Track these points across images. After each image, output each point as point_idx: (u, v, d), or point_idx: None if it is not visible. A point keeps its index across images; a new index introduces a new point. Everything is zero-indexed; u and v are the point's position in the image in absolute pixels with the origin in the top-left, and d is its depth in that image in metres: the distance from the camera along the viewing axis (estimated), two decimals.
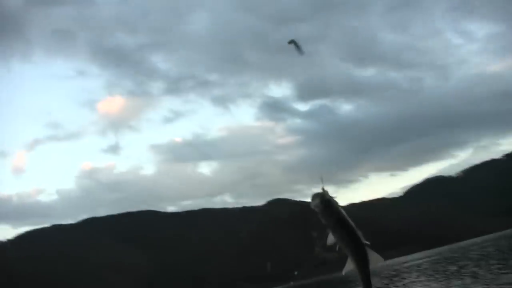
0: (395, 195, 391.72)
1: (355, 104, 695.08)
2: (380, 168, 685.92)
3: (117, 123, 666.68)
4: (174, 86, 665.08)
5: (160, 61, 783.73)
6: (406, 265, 70.65)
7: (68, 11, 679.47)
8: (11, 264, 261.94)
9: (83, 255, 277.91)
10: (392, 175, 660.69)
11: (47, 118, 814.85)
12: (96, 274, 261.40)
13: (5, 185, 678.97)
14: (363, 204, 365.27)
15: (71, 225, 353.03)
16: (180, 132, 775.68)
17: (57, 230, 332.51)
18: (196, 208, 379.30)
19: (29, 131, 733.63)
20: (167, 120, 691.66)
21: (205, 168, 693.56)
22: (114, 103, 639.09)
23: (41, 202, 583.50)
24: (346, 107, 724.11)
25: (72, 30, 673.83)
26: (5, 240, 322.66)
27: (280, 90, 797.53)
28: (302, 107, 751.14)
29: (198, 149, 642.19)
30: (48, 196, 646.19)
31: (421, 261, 73.41)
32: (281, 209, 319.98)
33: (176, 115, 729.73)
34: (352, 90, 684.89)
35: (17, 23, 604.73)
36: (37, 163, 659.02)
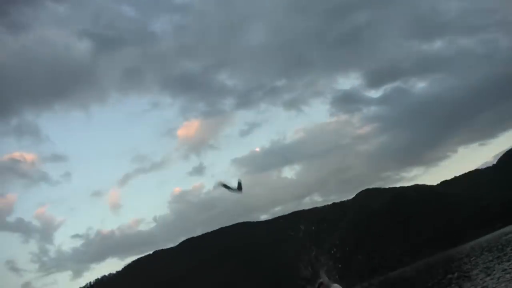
0: (489, 165, 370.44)
1: (429, 80, 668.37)
2: (468, 140, 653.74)
3: (198, 145, 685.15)
4: (245, 99, 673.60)
5: (226, 78, 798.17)
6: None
7: (133, 50, 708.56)
8: None
9: (186, 275, 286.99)
10: (481, 144, 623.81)
11: (132, 153, 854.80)
12: None
13: (107, 222, 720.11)
14: (456, 180, 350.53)
15: (172, 248, 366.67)
16: (258, 142, 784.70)
17: (159, 255, 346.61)
18: (287, 213, 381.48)
19: (119, 168, 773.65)
20: (244, 133, 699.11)
21: (289, 172, 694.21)
22: (192, 127, 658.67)
23: (142, 232, 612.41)
24: (420, 85, 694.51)
25: (140, 68, 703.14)
26: (115, 272, 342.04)
27: (349, 81, 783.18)
28: (374, 94, 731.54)
29: (278, 155, 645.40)
30: (146, 224, 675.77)
31: None
32: (372, 199, 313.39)
33: (251, 127, 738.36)
34: (423, 66, 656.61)
35: (88, 71, 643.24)
36: (131, 196, 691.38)
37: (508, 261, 23.53)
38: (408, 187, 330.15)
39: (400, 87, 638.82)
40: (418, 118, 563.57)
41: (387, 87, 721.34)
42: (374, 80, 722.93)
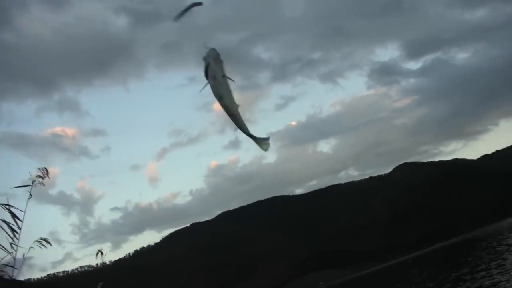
0: None
1: (471, 50, 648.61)
2: (510, 113, 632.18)
3: None
4: (281, 73, 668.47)
5: (262, 51, 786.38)
6: None
7: (170, 25, 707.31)
8: (162, 264, 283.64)
9: (225, 247, 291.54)
10: None
11: (169, 127, 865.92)
12: (246, 263, 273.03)
13: (144, 195, 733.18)
14: (498, 154, 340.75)
15: (208, 221, 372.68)
16: (294, 116, 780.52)
17: (196, 227, 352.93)
18: (323, 187, 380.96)
19: (156, 142, 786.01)
20: (280, 107, 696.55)
21: (325, 146, 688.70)
22: None
23: (178, 205, 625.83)
24: (461, 56, 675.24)
25: (177, 42, 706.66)
26: (153, 244, 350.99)
27: (387, 53, 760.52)
28: (414, 65, 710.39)
29: (314, 129, 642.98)
30: (183, 198, 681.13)
31: None
32: (410, 173, 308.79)
33: (287, 100, 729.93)
34: (465, 36, 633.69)
35: (127, 47, 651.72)
36: (168, 170, 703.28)
37: None
38: (447, 161, 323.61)
39: (441, 58, 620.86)
40: (458, 90, 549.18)
41: (427, 58, 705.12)
42: (414, 51, 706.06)
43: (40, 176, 3.16)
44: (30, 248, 2.91)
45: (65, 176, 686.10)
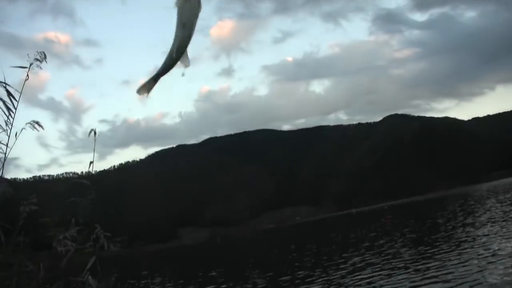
0: None
1: (480, 10, 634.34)
2: (509, 79, 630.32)
3: (229, 47, 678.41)
4: (283, 6, 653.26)
5: None
6: None
7: None
8: (145, 179, 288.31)
9: (208, 172, 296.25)
10: None
11: (164, 46, 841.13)
12: (221, 190, 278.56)
13: (134, 111, 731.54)
14: (489, 118, 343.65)
15: (194, 145, 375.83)
16: (291, 52, 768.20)
17: (182, 149, 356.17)
18: (311, 126, 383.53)
19: (150, 59, 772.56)
20: (278, 40, 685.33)
21: (318, 87, 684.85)
22: (225, 27, 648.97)
23: (166, 125, 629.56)
24: (469, 14, 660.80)
25: None
26: (138, 159, 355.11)
27: (394, 0, 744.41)
28: (420, 17, 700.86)
29: (309, 67, 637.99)
30: (171, 119, 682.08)
31: None
32: (398, 125, 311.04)
33: (286, 35, 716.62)
34: None
35: None
36: (159, 89, 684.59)
37: None
38: (438, 118, 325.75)
39: (448, 14, 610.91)
40: (460, 49, 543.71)
41: (434, 11, 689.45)
42: (422, 2, 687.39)
43: (38, 60, 3.11)
44: (22, 129, 2.91)
45: (55, 83, 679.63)
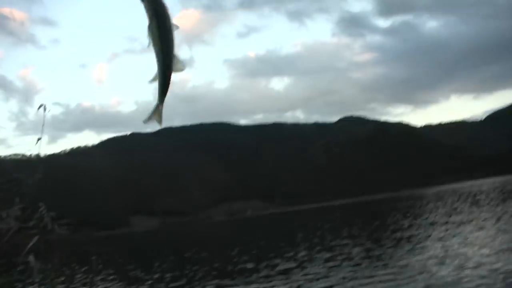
0: (476, 119, 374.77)
1: (442, 21, 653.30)
2: (463, 90, 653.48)
3: (191, 37, 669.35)
4: (249, 0, 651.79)
5: None
6: (475, 189, 68.81)
7: None
8: (97, 165, 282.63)
9: (162, 162, 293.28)
10: (475, 98, 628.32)
11: (125, 32, 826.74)
12: (174, 180, 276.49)
13: (88, 96, 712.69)
14: (441, 126, 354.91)
15: (148, 133, 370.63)
16: (253, 47, 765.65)
17: (136, 137, 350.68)
18: (268, 122, 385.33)
19: (109, 44, 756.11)
20: (241, 35, 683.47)
21: (278, 84, 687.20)
22: (189, 17, 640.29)
23: (121, 112, 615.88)
24: (431, 24, 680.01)
25: None
26: (91, 145, 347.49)
27: (359, 4, 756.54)
28: (383, 23, 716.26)
29: (271, 64, 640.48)
30: (127, 107, 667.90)
31: (494, 185, 70.75)
32: (353, 126, 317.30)
33: (250, 30, 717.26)
34: (440, 4, 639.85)
35: None
36: (116, 75, 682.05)
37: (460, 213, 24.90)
38: (392, 123, 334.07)
39: (411, 22, 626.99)
40: (419, 57, 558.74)
41: (398, 18, 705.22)
42: (387, 8, 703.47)
43: None
44: None
45: (8, 61, 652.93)
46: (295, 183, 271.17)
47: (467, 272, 9.51)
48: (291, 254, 17.51)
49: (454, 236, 15.67)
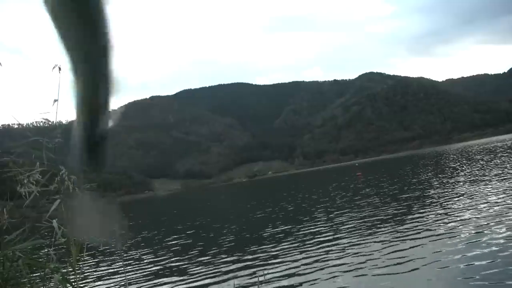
0: (499, 71, 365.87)
1: None
2: (485, 41, 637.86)
3: None
4: None
5: None
6: (497, 144, 66.33)
7: None
8: (118, 129, 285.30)
9: (181, 124, 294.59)
10: (497, 48, 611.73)
11: None
12: (194, 142, 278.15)
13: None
14: (462, 80, 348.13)
15: (168, 96, 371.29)
16: (270, 4, 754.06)
17: (156, 100, 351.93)
18: (286, 81, 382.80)
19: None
20: None
21: (295, 41, 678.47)
22: None
23: (138, 75, 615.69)
24: None
25: None
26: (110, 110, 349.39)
27: None
28: None
29: (287, 21, 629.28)
30: (145, 69, 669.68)
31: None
32: (373, 83, 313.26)
33: None
34: None
35: None
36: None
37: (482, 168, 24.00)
38: (413, 78, 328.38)
39: None
40: (439, 8, 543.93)
41: None
42: None
43: None
44: None
45: None
46: (314, 142, 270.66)
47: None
48: (316, 216, 17.08)
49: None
